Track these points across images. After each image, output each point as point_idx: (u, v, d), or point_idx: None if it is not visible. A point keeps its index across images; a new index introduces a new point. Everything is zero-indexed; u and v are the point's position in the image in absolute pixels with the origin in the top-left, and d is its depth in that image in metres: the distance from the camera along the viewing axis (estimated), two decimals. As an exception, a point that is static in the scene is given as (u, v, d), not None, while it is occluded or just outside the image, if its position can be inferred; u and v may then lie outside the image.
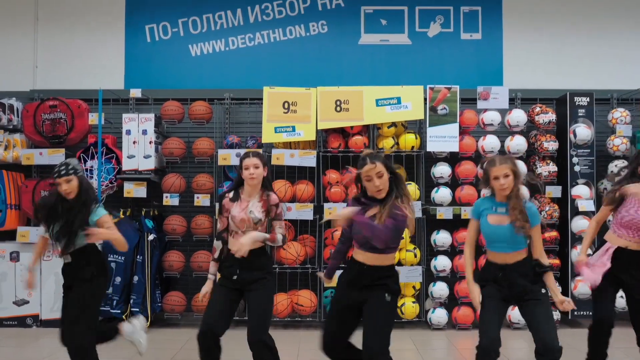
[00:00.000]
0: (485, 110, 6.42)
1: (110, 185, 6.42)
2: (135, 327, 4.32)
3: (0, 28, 7.28)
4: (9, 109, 6.53)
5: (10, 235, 6.46)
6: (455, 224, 6.32)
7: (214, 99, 6.69)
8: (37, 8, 7.27)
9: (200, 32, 7.17)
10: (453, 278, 6.33)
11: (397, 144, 6.37)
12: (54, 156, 6.35)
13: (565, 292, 6.16)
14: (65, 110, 6.41)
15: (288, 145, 6.35)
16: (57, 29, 7.26)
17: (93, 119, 6.36)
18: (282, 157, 6.24)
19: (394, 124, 6.32)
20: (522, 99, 6.64)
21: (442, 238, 6.32)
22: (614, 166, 6.37)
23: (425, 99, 6.32)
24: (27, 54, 7.25)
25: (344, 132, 6.42)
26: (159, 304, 6.38)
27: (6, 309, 6.34)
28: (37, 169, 6.67)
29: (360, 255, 3.53)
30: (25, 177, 6.68)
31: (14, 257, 6.37)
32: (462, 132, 6.41)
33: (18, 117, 6.60)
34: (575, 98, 6.41)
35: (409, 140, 6.33)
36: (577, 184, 6.34)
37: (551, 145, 6.33)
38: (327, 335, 3.65)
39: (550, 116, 6.37)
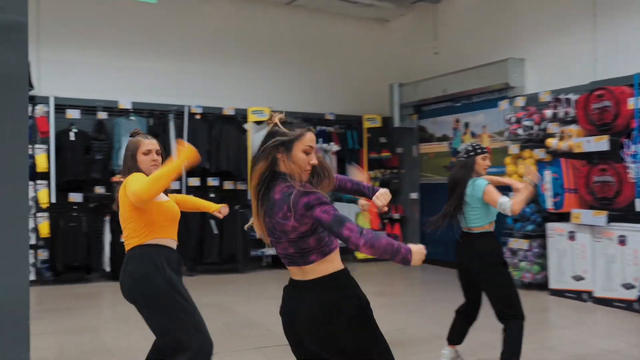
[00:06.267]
0: None
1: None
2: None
3: (563, 29, 8.01)
4: (565, 102, 7.25)
5: (567, 217, 7.16)
6: None
7: None
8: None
9: None
10: None
11: None
12: (598, 143, 6.68)
13: None
14: (610, 99, 6.62)
15: None
16: (617, 19, 7.40)
17: (631, 103, 6.34)
18: None
19: None
20: None
21: None
22: None
23: None
24: (587, 48, 7.68)
25: None
26: None
27: (566, 282, 7.10)
28: (589, 155, 7.06)
29: None
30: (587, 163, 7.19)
31: (571, 236, 7.05)
32: None
33: (573, 109, 7.22)
34: None
35: None
36: None
37: None
38: None
39: None
